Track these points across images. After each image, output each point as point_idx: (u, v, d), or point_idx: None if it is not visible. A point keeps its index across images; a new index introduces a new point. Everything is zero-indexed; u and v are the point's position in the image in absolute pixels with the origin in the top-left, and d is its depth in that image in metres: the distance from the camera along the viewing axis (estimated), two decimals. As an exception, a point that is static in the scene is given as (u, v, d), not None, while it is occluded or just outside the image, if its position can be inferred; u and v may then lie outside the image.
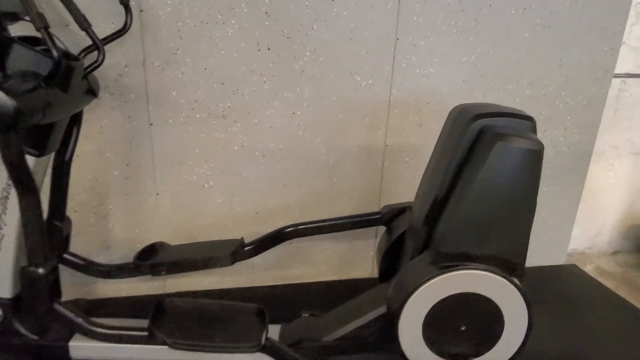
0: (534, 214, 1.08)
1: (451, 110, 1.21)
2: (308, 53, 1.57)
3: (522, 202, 1.06)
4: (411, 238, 1.28)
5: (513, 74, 1.74)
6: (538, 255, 2.05)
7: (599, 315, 1.73)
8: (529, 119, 1.08)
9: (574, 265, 2.09)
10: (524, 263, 1.10)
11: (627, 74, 1.95)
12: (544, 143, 1.95)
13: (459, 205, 1.07)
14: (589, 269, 2.09)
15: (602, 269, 2.10)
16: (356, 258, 1.91)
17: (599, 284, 1.94)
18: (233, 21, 1.48)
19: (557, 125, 1.86)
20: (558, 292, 1.88)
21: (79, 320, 1.16)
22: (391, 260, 1.41)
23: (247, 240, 1.49)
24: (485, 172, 1.03)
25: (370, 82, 1.66)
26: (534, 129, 1.08)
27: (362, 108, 1.69)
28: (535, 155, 1.01)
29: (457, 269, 1.08)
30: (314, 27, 1.55)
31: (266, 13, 1.50)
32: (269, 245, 1.46)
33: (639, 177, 2.16)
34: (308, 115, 1.65)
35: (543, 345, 1.55)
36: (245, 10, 1.48)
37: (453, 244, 1.09)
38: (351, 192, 1.80)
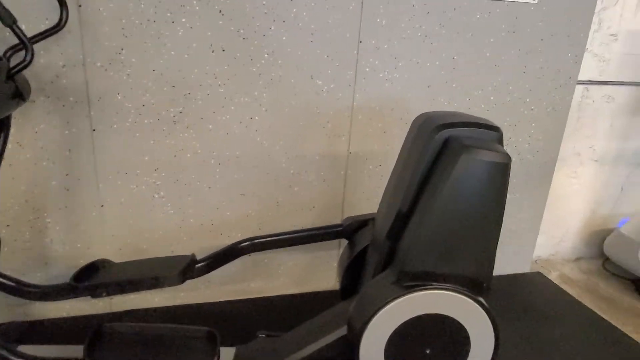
0: (500, 229, 1.02)
1: (415, 119, 1.14)
2: (266, 55, 1.48)
3: (489, 217, 1.00)
4: (374, 253, 1.20)
5: (478, 79, 1.70)
6: (503, 264, 2.03)
7: (564, 325, 1.71)
8: (496, 129, 1.02)
9: (538, 274, 2.07)
10: (491, 281, 1.04)
11: (590, 80, 1.95)
12: (509, 150, 1.94)
13: (423, 220, 1.00)
14: (553, 276, 2.08)
15: (566, 276, 2.10)
16: (319, 269, 1.83)
17: (563, 293, 1.93)
18: (184, 19, 1.38)
19: (522, 132, 1.83)
20: (523, 302, 1.85)
21: (3, 352, 1.03)
22: (353, 275, 1.33)
23: (199, 256, 1.39)
24: (450, 185, 0.96)
25: (332, 86, 1.58)
26: (500, 140, 1.02)
27: (323, 114, 1.61)
28: (502, 168, 0.95)
29: (422, 289, 1.01)
30: (272, 28, 1.46)
31: (220, 12, 1.40)
32: (223, 261, 1.36)
33: (601, 184, 2.17)
34: (267, 121, 1.55)
35: (507, 358, 1.51)
36: (197, 8, 1.38)
37: (417, 262, 1.02)
38: (313, 202, 1.72)
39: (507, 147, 1.84)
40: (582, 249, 2.28)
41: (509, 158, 0.95)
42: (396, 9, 1.54)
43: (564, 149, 2.01)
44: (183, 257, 1.33)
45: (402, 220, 1.08)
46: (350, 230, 1.39)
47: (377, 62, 1.59)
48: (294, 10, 1.46)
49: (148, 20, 1.35)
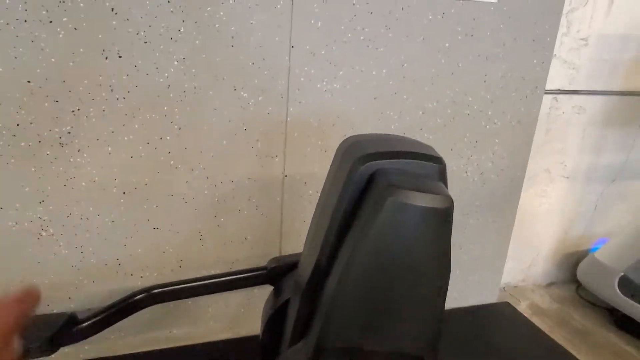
0: (446, 288, 0.79)
1: (341, 144, 0.91)
2: (176, 62, 1.23)
3: (428, 275, 0.76)
4: (293, 311, 0.96)
5: (433, 90, 1.48)
6: (466, 294, 1.81)
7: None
8: (436, 160, 0.79)
9: (506, 304, 1.86)
10: (437, 356, 0.81)
11: (559, 90, 1.75)
12: (470, 170, 1.72)
13: (343, 280, 0.76)
14: (523, 306, 1.88)
15: (536, 306, 1.89)
16: (256, 309, 1.58)
17: (533, 327, 1.72)
18: (65, 19, 1.11)
19: (485, 149, 1.62)
20: (487, 340, 1.64)
21: None
22: (275, 331, 1.09)
23: (81, 316, 1.12)
24: (374, 235, 0.73)
25: (260, 99, 1.34)
26: (442, 174, 0.79)
27: (251, 131, 1.36)
28: (442, 214, 0.72)
29: (342, 372, 0.77)
30: (182, 30, 1.21)
31: (112, 10, 1.14)
32: (116, 318, 1.10)
33: (573, 202, 1.98)
34: (181, 141, 1.30)
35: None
36: (82, 5, 1.12)
37: (336, 334, 0.78)
38: (245, 233, 1.47)
39: (468, 167, 1.62)
40: (555, 273, 2.09)
41: (450, 201, 0.72)
42: (333, 9, 1.31)
43: (532, 165, 1.81)
44: (58, 316, 1.06)
45: (320, 276, 0.84)
46: (275, 274, 1.14)
47: (313, 71, 1.36)
48: (208, 8, 1.21)
49: (17, 19, 1.08)
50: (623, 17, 1.71)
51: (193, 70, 1.25)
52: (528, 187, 1.84)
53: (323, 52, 1.35)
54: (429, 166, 0.78)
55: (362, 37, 1.36)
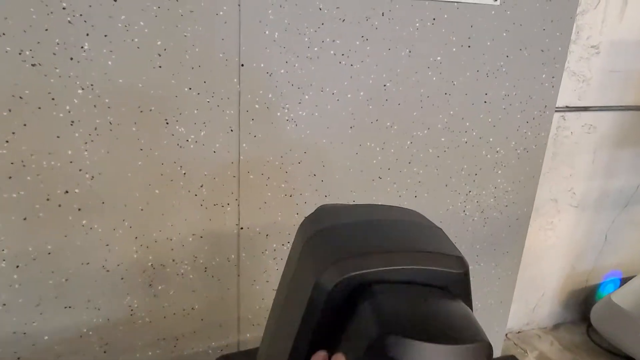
0: None
1: (304, 225, 0.60)
2: (80, 90, 0.91)
3: None
4: None
5: (422, 115, 1.19)
6: (467, 351, 1.53)
7: None
8: (456, 263, 0.49)
9: (512, 358, 1.58)
10: None
11: (567, 107, 1.49)
12: (469, 208, 1.41)
13: None
14: (530, 360, 1.60)
15: (546, 357, 1.62)
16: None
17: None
18: None
19: (485, 183, 1.34)
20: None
21: None
22: None
23: None
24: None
25: (202, 134, 1.02)
26: (465, 287, 0.49)
27: (192, 175, 1.05)
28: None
29: None
30: (86, 47, 0.89)
31: (-20, 21, 0.81)
32: None
33: (582, 234, 1.72)
34: (94, 193, 0.98)
35: None
36: None
37: None
38: (191, 303, 1.15)
39: (466, 205, 1.34)
40: (561, 312, 1.83)
41: (489, 348, 0.42)
42: (294, 16, 1.01)
43: (538, 195, 1.54)
44: None
45: None
46: (222, 383, 0.82)
47: (270, 95, 1.05)
48: (122, 17, 0.89)
49: None
50: (639, 21, 1.46)
51: (106, 99, 0.93)
52: (533, 220, 1.57)
53: (283, 70, 1.04)
54: (444, 276, 0.48)
55: (332, 52, 1.06)
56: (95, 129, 0.94)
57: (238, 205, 1.11)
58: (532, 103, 1.29)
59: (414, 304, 0.44)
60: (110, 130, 0.95)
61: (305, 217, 0.59)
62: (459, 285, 0.50)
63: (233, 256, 1.15)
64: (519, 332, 1.75)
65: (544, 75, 1.28)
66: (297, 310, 0.50)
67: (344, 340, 0.47)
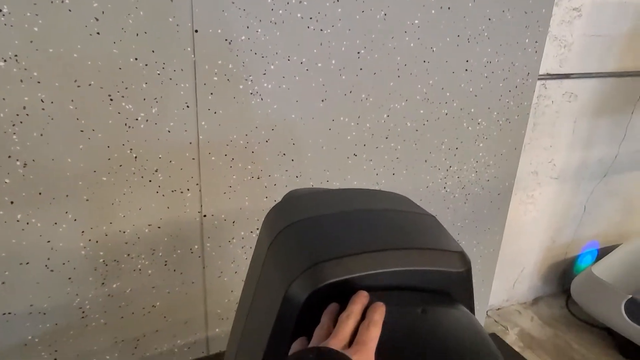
0: None
1: (269, 213, 0.49)
2: (2, 63, 0.76)
3: None
4: None
5: (399, 85, 1.09)
6: (449, 331, 1.48)
7: None
8: (456, 260, 0.40)
9: (493, 337, 1.54)
10: None
11: (548, 74, 1.41)
12: (450, 184, 1.32)
13: None
14: (512, 337, 1.57)
15: (527, 334, 1.59)
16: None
17: (530, 368, 1.41)
18: None
19: (466, 157, 1.26)
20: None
21: None
22: None
23: None
24: None
25: (154, 111, 0.90)
26: (467, 287, 0.40)
27: (144, 158, 0.92)
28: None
29: None
30: (4, 10, 0.74)
31: None
32: None
33: (562, 206, 1.67)
34: (29, 183, 0.84)
35: None
36: None
37: None
38: (151, 301, 1.04)
39: (446, 181, 1.26)
40: (540, 286, 1.80)
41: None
42: (254, -28, 0.88)
43: (518, 168, 1.48)
44: None
45: None
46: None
47: (231, 66, 0.93)
48: (47, -27, 0.75)
49: None
50: (621, -19, 1.38)
51: (34, 73, 0.79)
52: (513, 195, 1.51)
53: (243, 37, 0.92)
54: (443, 277, 0.38)
55: (299, 15, 0.94)
56: (24, 108, 0.80)
57: (199, 190, 1.00)
58: (514, 70, 1.21)
59: (408, 320, 0.34)
60: (43, 109, 0.82)
61: (272, 208, 0.49)
62: (460, 286, 0.40)
63: (196, 247, 1.04)
64: (499, 308, 1.72)
65: (527, 40, 1.19)
66: (265, 324, 0.41)
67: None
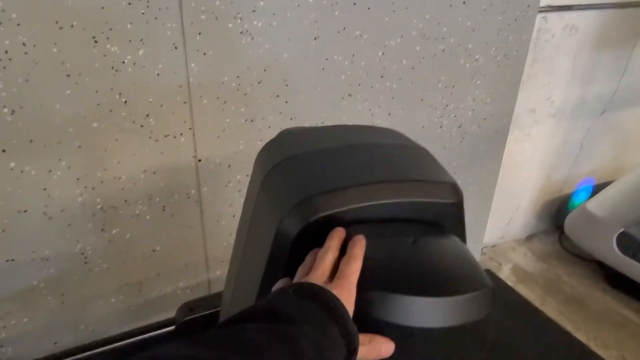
0: None
1: (260, 152, 0.49)
2: (-23, 4, 0.73)
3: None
4: None
5: (394, 21, 1.05)
6: (444, 268, 1.52)
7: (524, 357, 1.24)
8: (448, 191, 0.40)
9: (487, 273, 1.59)
10: None
11: (549, 6, 1.36)
12: (446, 123, 1.30)
13: None
14: (505, 272, 1.62)
15: (520, 269, 1.64)
16: None
17: (520, 300, 1.46)
18: None
19: (463, 95, 1.24)
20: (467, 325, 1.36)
21: None
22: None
23: None
24: None
25: (141, 53, 0.87)
26: (458, 217, 0.40)
27: (134, 103, 0.91)
28: (477, 330, 0.34)
29: None
30: (-28, -55, 0.70)
31: None
32: None
33: (559, 143, 1.67)
34: (17, 130, 0.83)
35: None
36: None
37: None
38: (152, 245, 1.06)
39: (442, 119, 1.24)
40: (535, 223, 1.83)
41: (490, 296, 0.34)
42: None
43: (516, 106, 1.46)
44: None
45: None
46: (188, 331, 0.75)
47: (218, 3, 0.89)
48: None
49: None
50: None
51: (12, 15, 0.76)
52: (510, 133, 1.50)
53: (230, -29, 0.87)
54: (434, 208, 0.39)
55: (288, -55, 0.89)
56: (6, 52, 0.78)
57: (193, 134, 0.99)
58: (514, 2, 1.16)
59: (399, 249, 0.35)
60: (25, 53, 0.79)
61: (263, 146, 0.48)
62: (451, 217, 0.41)
63: (193, 192, 1.05)
64: (493, 246, 1.76)
65: (528, -31, 1.14)
66: (259, 261, 0.41)
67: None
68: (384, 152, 0.43)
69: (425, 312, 0.32)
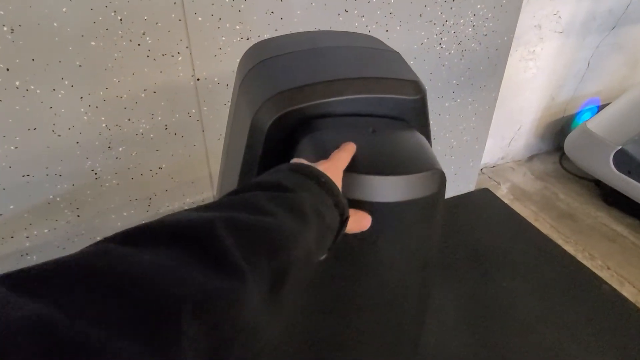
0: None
1: (241, 58, 0.52)
2: None
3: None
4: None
5: None
6: (442, 187, 1.56)
7: (515, 269, 1.32)
8: (411, 88, 0.43)
9: (485, 191, 1.63)
10: None
11: None
12: (446, 40, 1.28)
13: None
14: (503, 191, 1.66)
15: (518, 188, 1.68)
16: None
17: (516, 218, 1.52)
18: None
19: (463, 10, 1.21)
20: (465, 239, 1.43)
21: None
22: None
23: None
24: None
25: (132, -31, 0.87)
26: (422, 112, 0.44)
27: (130, 21, 0.92)
28: (430, 203, 0.38)
29: None
30: None
31: None
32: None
33: (565, 61, 1.64)
34: (19, 49, 0.86)
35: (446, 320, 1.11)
36: None
37: None
38: (157, 162, 1.11)
39: (442, 36, 1.23)
40: (536, 144, 1.85)
41: (441, 178, 0.38)
42: None
43: (520, 22, 1.42)
44: None
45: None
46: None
47: None
48: None
49: None
50: None
51: None
52: (513, 50, 1.48)
53: None
54: (397, 103, 0.42)
55: None
56: (-2, -31, 0.78)
57: (190, 53, 1.00)
58: None
59: (360, 137, 0.38)
60: (17, -30, 0.79)
61: (243, 54, 0.51)
62: (414, 114, 0.44)
63: (194, 111, 1.08)
64: (494, 166, 1.79)
65: None
66: (238, 154, 0.45)
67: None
68: (355, 54, 0.45)
69: (382, 189, 0.36)
